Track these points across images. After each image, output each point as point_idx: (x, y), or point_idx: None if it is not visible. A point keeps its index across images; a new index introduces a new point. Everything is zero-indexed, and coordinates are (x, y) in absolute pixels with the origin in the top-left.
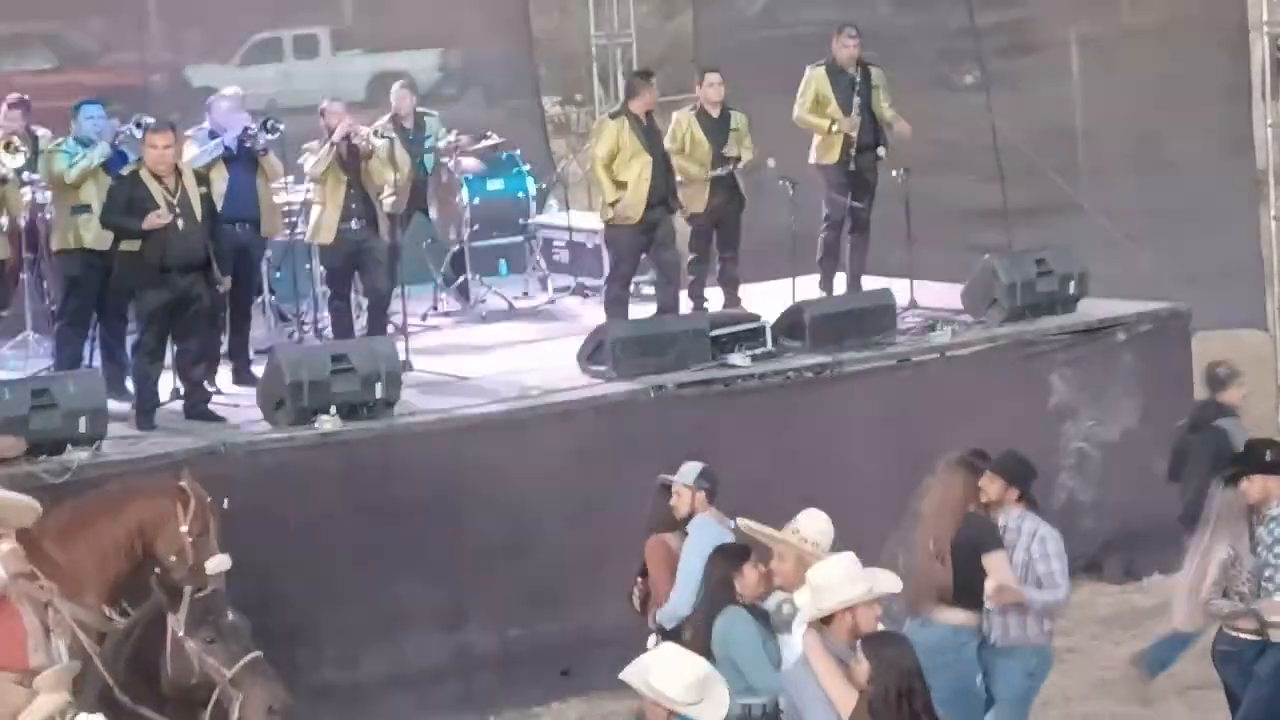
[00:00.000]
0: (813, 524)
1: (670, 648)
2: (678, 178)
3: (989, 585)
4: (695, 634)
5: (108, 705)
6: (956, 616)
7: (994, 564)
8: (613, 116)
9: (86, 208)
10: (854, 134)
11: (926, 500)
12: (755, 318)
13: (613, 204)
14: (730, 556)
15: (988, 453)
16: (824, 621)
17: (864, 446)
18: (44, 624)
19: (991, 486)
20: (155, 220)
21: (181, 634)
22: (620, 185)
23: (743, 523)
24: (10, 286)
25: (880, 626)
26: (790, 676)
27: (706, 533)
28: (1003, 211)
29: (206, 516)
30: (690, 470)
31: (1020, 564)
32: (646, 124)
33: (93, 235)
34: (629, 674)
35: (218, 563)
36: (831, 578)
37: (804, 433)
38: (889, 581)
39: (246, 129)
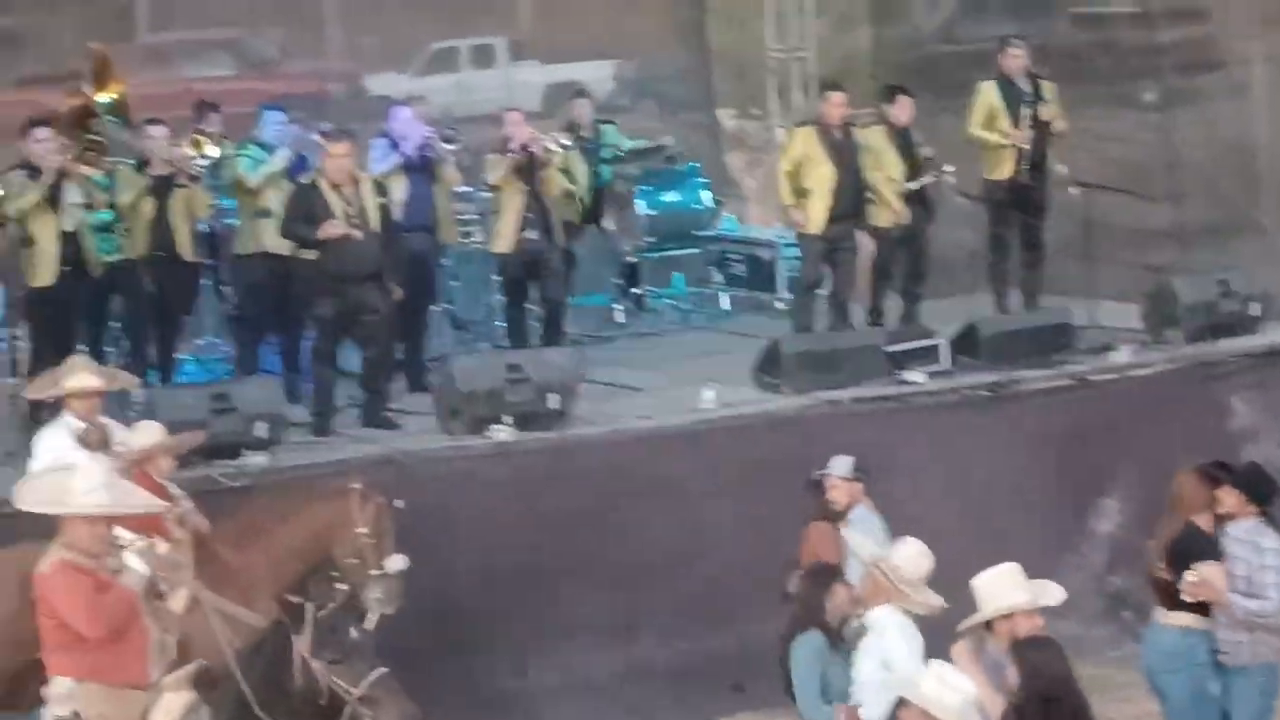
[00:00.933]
0: (902, 551)
1: (943, 666)
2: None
3: (1188, 576)
4: (780, 648)
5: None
6: (1183, 619)
7: (1204, 571)
8: (802, 125)
9: (267, 212)
10: (1026, 147)
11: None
12: (931, 334)
13: (790, 208)
14: (820, 577)
15: (1229, 464)
16: (987, 628)
17: (1038, 466)
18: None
19: (1229, 499)
20: (330, 230)
21: (308, 654)
22: (802, 193)
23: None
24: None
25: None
26: None
27: (869, 524)
28: (1180, 231)
29: (383, 519)
30: (843, 463)
31: (1244, 577)
32: (840, 136)
33: (273, 239)
34: (897, 686)
35: (397, 562)
36: (993, 585)
37: (977, 450)
38: (1053, 593)
39: (426, 138)
